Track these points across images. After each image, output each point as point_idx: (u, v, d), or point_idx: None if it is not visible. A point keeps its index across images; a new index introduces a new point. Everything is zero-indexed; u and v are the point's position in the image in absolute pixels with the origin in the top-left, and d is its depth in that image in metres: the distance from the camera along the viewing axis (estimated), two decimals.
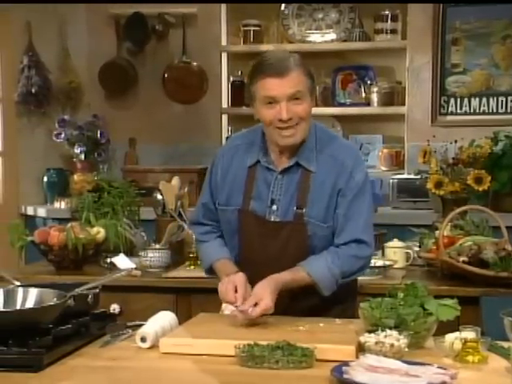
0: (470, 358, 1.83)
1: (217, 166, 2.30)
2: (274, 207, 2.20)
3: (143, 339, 1.97)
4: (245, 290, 2.09)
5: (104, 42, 4.65)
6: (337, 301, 2.22)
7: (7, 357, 1.79)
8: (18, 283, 2.21)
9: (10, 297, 2.04)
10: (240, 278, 2.12)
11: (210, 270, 2.34)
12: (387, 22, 4.36)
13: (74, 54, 4.67)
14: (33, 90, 4.45)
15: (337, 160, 2.18)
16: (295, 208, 2.18)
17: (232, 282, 2.11)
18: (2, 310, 1.99)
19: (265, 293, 2.06)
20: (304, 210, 2.17)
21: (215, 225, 2.35)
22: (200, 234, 2.39)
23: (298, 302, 2.22)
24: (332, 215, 2.18)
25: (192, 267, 3.01)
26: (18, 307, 2.00)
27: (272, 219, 2.20)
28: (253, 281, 2.16)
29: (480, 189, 3.82)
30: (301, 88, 2.10)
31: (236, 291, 2.09)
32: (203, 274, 2.47)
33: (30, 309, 1.98)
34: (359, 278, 2.74)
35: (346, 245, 2.17)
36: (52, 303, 1.96)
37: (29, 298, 2.03)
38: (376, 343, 1.84)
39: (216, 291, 2.19)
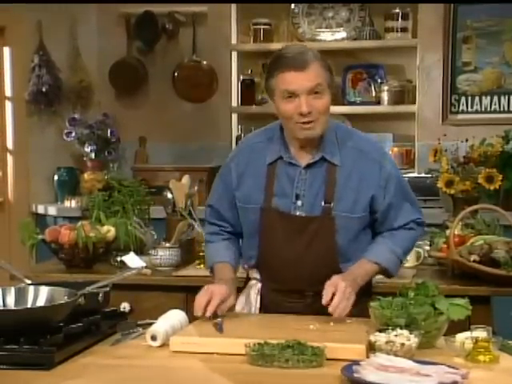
0: (481, 357, 1.82)
1: (229, 168, 2.27)
2: (299, 202, 2.17)
3: (153, 338, 1.97)
4: (218, 302, 2.07)
5: (114, 41, 4.66)
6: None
7: (19, 354, 1.80)
8: (28, 281, 2.22)
9: (21, 295, 2.04)
10: (219, 289, 2.11)
11: (212, 271, 2.33)
12: (398, 20, 4.35)
13: (84, 53, 4.68)
14: (43, 89, 4.47)
15: (362, 152, 2.18)
16: (323, 203, 2.16)
17: (209, 293, 2.09)
18: (14, 308, 2.00)
19: (338, 280, 2.05)
20: (332, 205, 2.15)
21: (224, 225, 2.33)
22: (208, 233, 2.39)
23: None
24: (362, 207, 2.18)
25: (202, 266, 3.00)
26: (29, 305, 2.01)
27: (298, 214, 2.18)
28: (274, 281, 2.20)
29: (491, 188, 3.80)
30: (320, 81, 2.08)
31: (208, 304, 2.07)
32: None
33: (40, 307, 1.98)
34: None
35: (405, 226, 2.25)
36: (63, 301, 1.97)
37: (40, 297, 2.04)
38: (386, 342, 1.83)
39: None
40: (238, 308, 2.29)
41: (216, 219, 2.34)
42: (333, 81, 2.17)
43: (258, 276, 2.28)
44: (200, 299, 2.09)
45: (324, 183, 2.16)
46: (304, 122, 2.09)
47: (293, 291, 2.22)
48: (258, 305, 2.28)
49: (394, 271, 2.27)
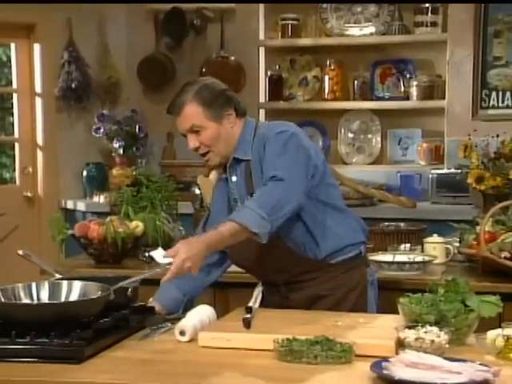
0: None
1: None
2: (239, 204, 2.33)
3: (182, 333, 1.98)
4: None
5: (143, 37, 4.69)
6: (337, 290, 2.30)
7: (49, 348, 1.82)
8: (58, 276, 2.24)
9: (54, 290, 2.07)
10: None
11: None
12: (427, 14, 4.31)
13: (113, 49, 4.71)
14: (73, 85, 4.51)
15: (263, 136, 2.28)
16: (249, 196, 2.27)
17: None
18: (48, 302, 2.03)
19: (178, 251, 2.13)
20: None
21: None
22: None
23: (295, 293, 2.32)
24: None
25: None
26: (63, 300, 2.04)
27: None
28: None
29: None
30: (194, 121, 2.25)
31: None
32: (241, 269, 2.49)
33: (75, 301, 2.01)
34: (397, 272, 2.75)
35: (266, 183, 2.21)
36: (97, 296, 1.99)
37: (73, 291, 2.06)
38: (416, 339, 1.82)
39: (253, 285, 2.35)
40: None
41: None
42: (217, 110, 2.25)
43: None
44: None
45: (245, 179, 2.31)
46: (201, 154, 2.30)
47: (267, 283, 2.37)
48: (259, 302, 2.39)
49: (252, 226, 2.08)
